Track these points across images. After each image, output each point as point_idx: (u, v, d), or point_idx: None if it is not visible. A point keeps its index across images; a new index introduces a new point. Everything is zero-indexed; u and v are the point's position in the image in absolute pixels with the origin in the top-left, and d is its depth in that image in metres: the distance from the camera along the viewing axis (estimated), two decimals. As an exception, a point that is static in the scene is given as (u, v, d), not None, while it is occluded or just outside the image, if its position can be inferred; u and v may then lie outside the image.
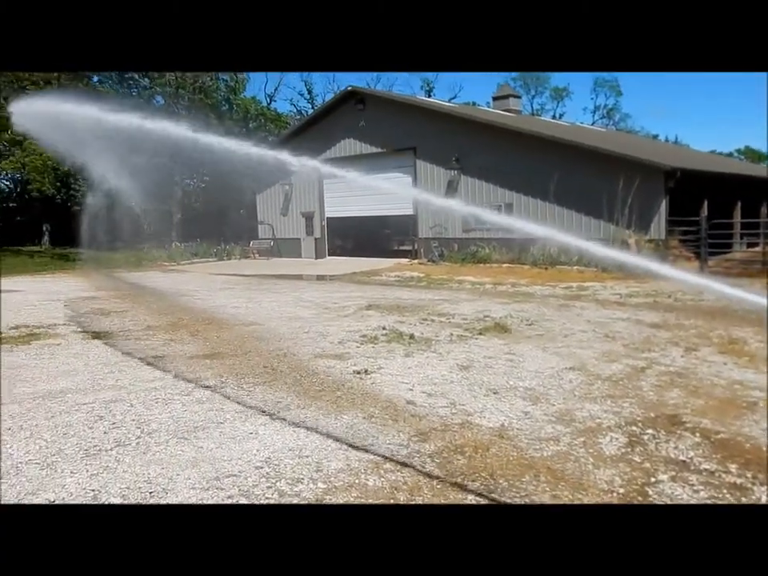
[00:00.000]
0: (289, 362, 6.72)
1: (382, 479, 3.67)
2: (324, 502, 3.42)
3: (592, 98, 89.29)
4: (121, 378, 6.06)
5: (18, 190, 36.17)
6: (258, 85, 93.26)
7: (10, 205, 38.31)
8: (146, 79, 40.54)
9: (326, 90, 63.69)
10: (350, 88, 23.52)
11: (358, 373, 6.13)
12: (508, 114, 26.40)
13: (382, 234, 27.44)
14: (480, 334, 7.97)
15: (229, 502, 3.43)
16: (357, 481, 3.65)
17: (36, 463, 3.94)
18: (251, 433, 4.48)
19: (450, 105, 29.10)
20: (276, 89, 49.21)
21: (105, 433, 4.48)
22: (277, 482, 3.65)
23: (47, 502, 3.46)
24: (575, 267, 15.83)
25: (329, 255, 25.04)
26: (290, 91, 69.06)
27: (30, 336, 8.39)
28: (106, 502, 3.42)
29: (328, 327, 8.76)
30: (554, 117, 54.00)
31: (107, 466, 3.88)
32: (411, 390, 5.55)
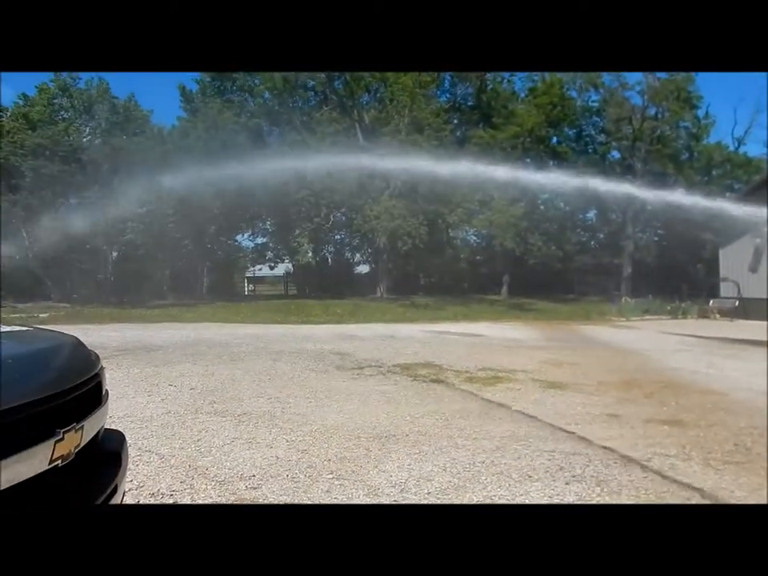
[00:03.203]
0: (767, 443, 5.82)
1: None
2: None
3: None
4: (576, 431, 6.18)
5: (484, 244, 41.13)
6: (725, 129, 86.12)
7: (477, 257, 43.84)
8: (602, 134, 41.62)
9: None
10: None
11: None
12: None
13: None
14: None
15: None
16: None
17: (506, 499, 4.28)
18: (723, 518, 3.99)
19: None
20: (747, 131, 44.42)
21: (566, 484, 4.60)
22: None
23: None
24: None
25: (811, 320, 21.05)
26: (763, 132, 61.19)
27: (494, 379, 9.31)
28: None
29: (820, 408, 7.30)
30: None
31: (570, 518, 3.96)
32: None
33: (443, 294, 33.67)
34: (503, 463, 5.11)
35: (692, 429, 6.31)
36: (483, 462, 5.12)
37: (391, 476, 4.74)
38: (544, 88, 37.95)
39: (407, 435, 5.97)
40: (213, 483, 4.50)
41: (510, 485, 4.59)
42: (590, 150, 42.04)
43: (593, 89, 40.16)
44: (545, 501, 4.25)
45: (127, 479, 3.14)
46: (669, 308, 24.87)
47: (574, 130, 42.37)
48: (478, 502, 4.18)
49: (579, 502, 3.45)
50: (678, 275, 35.06)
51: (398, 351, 12.66)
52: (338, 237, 41.56)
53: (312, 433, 5.98)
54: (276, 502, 4.11)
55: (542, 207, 39.50)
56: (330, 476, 4.71)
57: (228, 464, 4.96)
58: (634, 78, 38.78)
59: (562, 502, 3.50)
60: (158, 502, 4.09)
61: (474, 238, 42.99)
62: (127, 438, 2.77)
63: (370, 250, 40.63)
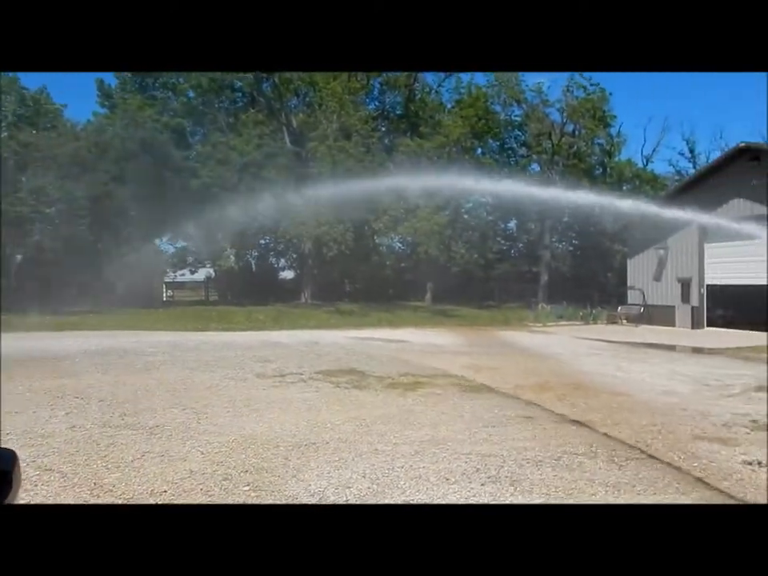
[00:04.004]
0: (664, 439, 6.21)
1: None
2: None
3: None
4: (493, 434, 6.35)
5: (409, 251, 41.52)
6: (635, 147, 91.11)
7: (402, 264, 44.21)
8: (524, 148, 43.07)
9: (710, 148, 58.64)
10: (741, 144, 21.26)
11: (749, 464, 5.37)
12: None
13: (778, 305, 23.58)
14: None
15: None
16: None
17: (424, 503, 4.35)
18: (625, 514, 4.21)
19: None
20: (654, 150, 47.18)
21: (482, 485, 4.72)
22: None
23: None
24: None
25: (708, 326, 22.54)
26: (669, 151, 65.72)
27: (416, 384, 9.43)
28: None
29: (709, 407, 7.85)
30: None
31: (483, 520, 4.06)
32: (825, 496, 4.57)
33: (368, 301, 33.76)
34: (422, 467, 5.18)
35: (599, 428, 6.63)
36: (402, 467, 5.18)
37: (310, 485, 4.71)
38: (470, 101, 38.84)
39: (327, 443, 5.96)
40: (120, 501, 4.32)
41: (427, 488, 4.66)
42: (512, 163, 43.30)
43: (516, 104, 41.49)
44: (461, 502, 4.35)
45: (21, 501, 2.97)
46: (581, 314, 25.97)
47: (498, 143, 43.58)
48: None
49: (578, 503, 3.47)
50: (590, 283, 36.71)
51: (320, 358, 12.62)
52: (263, 242, 40.95)
53: (229, 444, 5.86)
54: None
55: (465, 216, 40.34)
56: (247, 488, 4.63)
57: (137, 480, 4.78)
58: (553, 96, 40.44)
59: (561, 503, 3.50)
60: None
61: (400, 245, 43.34)
62: (24, 456, 2.63)
63: (295, 256, 40.26)
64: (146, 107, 32.50)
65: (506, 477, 4.93)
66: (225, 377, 9.88)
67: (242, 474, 4.93)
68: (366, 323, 23.85)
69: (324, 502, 4.31)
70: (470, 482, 4.78)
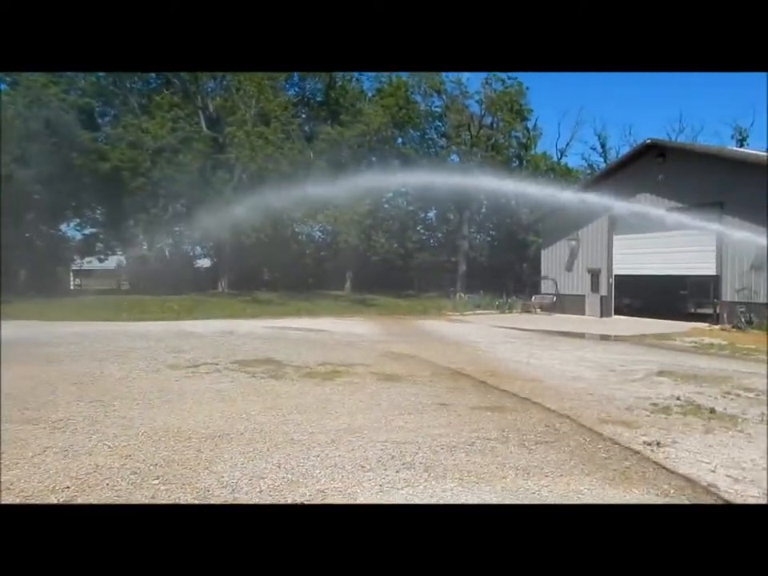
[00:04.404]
0: (572, 423, 6.46)
1: None
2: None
3: None
4: (409, 421, 6.42)
5: (329, 240, 41.36)
6: (550, 140, 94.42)
7: (322, 253, 43.99)
8: (444, 139, 43.64)
9: (620, 144, 61.67)
10: (648, 141, 22.41)
11: (649, 444, 5.67)
12: None
13: (677, 295, 25.17)
14: (805, 418, 6.71)
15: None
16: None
17: (339, 491, 4.34)
18: (533, 492, 4.36)
19: None
20: (568, 144, 49.22)
21: (396, 472, 4.76)
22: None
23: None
24: None
25: (615, 314, 23.74)
26: (582, 146, 68.83)
27: (333, 373, 9.41)
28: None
29: (614, 391, 8.25)
30: None
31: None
32: (713, 471, 4.92)
33: (287, 290, 33.42)
34: (337, 455, 5.17)
35: (511, 413, 6.83)
36: (318, 456, 5.15)
37: (222, 476, 4.60)
38: (391, 90, 39.00)
39: (242, 433, 5.84)
40: (18, 499, 4.06)
41: (342, 476, 4.65)
42: (432, 153, 43.84)
43: (436, 94, 41.98)
44: (376, 489, 4.37)
45: None
46: (497, 303, 26.74)
47: (418, 133, 43.97)
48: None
49: (578, 503, 3.44)
50: (507, 273, 37.90)
51: (236, 348, 12.37)
52: (177, 229, 39.59)
53: (138, 437, 5.64)
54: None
55: (386, 205, 40.56)
56: (156, 481, 4.47)
57: (38, 477, 4.51)
58: (473, 87, 41.25)
59: (562, 503, 3.46)
60: None
61: (319, 233, 43.11)
62: None
63: (211, 244, 39.19)
64: (51, 85, 30.60)
65: (421, 463, 4.99)
66: (136, 368, 9.51)
67: (151, 468, 4.76)
68: (284, 312, 23.59)
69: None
70: (386, 470, 4.81)
